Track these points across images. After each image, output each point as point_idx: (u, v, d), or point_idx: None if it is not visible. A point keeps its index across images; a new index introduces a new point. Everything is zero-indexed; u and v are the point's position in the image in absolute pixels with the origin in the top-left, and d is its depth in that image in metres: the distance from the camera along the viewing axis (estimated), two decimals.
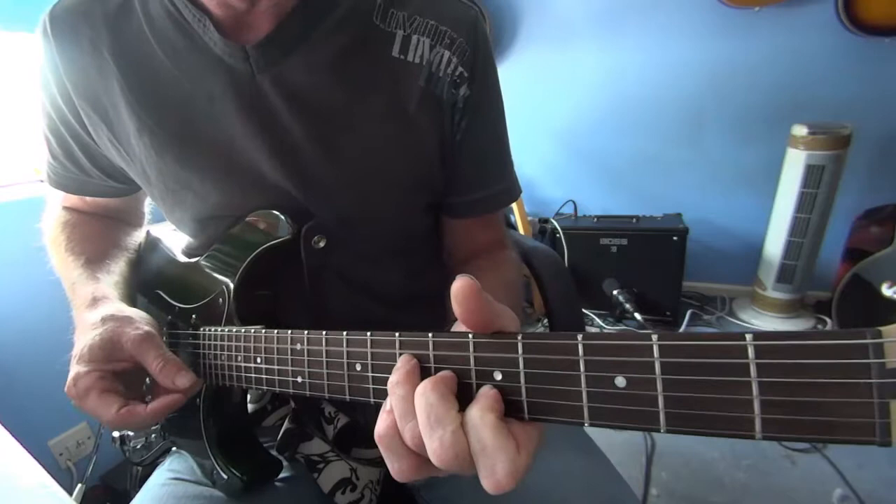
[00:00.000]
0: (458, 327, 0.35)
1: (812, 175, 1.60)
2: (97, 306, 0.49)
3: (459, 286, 0.26)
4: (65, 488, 0.50)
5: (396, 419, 0.28)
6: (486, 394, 0.27)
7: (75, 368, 0.45)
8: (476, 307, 0.26)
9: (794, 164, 1.63)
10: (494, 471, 0.24)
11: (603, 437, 1.58)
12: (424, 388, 0.27)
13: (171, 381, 0.45)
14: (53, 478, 0.51)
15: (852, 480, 1.21)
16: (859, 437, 0.18)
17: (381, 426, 0.29)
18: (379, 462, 0.57)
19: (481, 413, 0.25)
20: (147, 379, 0.49)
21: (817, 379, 0.19)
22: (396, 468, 0.29)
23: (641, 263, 1.87)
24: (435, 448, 0.26)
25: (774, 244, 1.77)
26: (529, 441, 0.26)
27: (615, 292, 1.86)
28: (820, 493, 1.20)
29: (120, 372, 0.46)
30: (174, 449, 0.58)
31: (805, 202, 1.64)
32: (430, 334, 0.30)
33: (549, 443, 0.50)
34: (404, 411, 0.28)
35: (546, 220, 2.07)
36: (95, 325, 0.46)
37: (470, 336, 0.28)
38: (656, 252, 1.85)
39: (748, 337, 0.20)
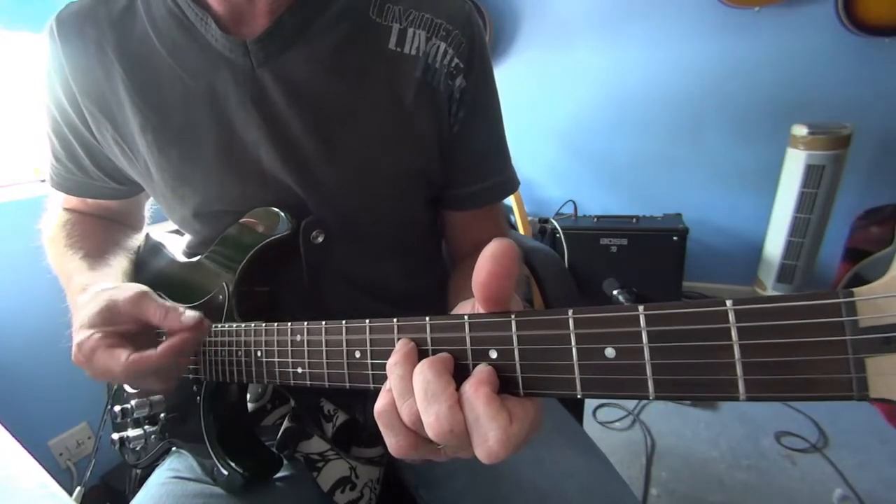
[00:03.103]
0: (458, 310, 0.35)
1: (812, 175, 1.60)
2: (87, 290, 0.49)
3: (499, 244, 0.26)
4: (65, 488, 0.50)
5: (395, 398, 0.29)
6: (481, 370, 0.28)
7: (77, 337, 0.44)
8: (509, 270, 0.26)
9: (794, 164, 1.63)
10: (486, 439, 0.25)
11: (603, 437, 1.58)
12: (422, 366, 0.28)
13: (179, 322, 0.44)
14: (53, 478, 0.51)
15: (852, 480, 1.21)
16: (837, 393, 0.19)
17: (380, 403, 0.30)
18: (378, 461, 0.57)
19: (475, 386, 0.26)
20: (158, 342, 0.49)
21: (795, 339, 0.20)
22: (394, 443, 0.30)
23: (641, 263, 1.87)
24: (431, 422, 0.26)
25: (774, 244, 1.77)
26: (524, 414, 0.26)
27: (615, 292, 1.86)
28: (820, 493, 1.20)
29: (125, 334, 0.45)
30: (174, 449, 0.58)
31: (805, 202, 1.64)
32: (426, 318, 0.30)
33: (548, 442, 0.51)
34: (402, 390, 0.29)
35: (546, 220, 2.07)
36: (90, 299, 0.46)
37: (465, 317, 0.29)
38: (656, 252, 1.85)
39: (728, 302, 0.21)
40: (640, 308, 0.23)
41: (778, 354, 0.20)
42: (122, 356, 0.42)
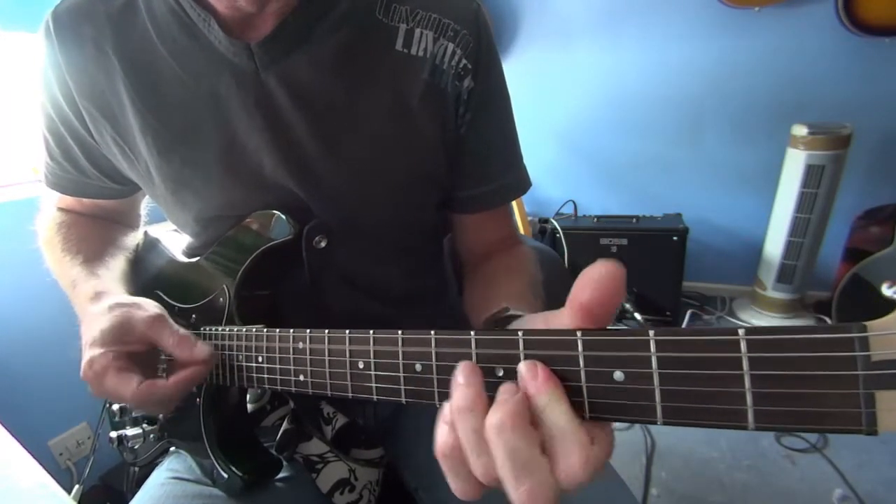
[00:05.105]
0: (527, 324, 0.33)
1: (812, 175, 1.60)
2: (101, 299, 0.49)
3: (606, 265, 0.24)
4: (64, 488, 0.50)
5: (465, 451, 0.26)
6: (547, 378, 0.25)
7: (89, 353, 0.44)
8: (615, 293, 0.24)
9: (794, 164, 1.63)
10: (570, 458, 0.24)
11: None
12: (502, 424, 0.24)
13: (190, 354, 0.44)
14: (53, 478, 0.51)
15: (852, 480, 1.21)
16: (847, 427, 0.19)
17: (443, 444, 0.27)
18: (377, 463, 0.57)
19: (553, 404, 0.24)
20: (161, 364, 0.49)
21: (806, 371, 0.20)
22: (459, 489, 0.27)
23: (641, 263, 1.87)
24: (523, 499, 0.24)
25: (774, 244, 1.77)
26: (604, 434, 0.25)
27: None
28: (820, 493, 1.20)
29: (133, 354, 0.45)
30: (173, 449, 0.58)
31: (805, 202, 1.64)
32: (432, 332, 0.30)
33: None
34: (477, 447, 0.25)
35: (546, 220, 2.07)
36: (103, 312, 0.46)
37: (472, 334, 0.28)
38: (656, 252, 1.85)
39: (741, 332, 0.21)
40: (651, 332, 0.23)
41: (789, 386, 0.20)
42: (133, 383, 0.43)
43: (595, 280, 0.24)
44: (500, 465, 0.24)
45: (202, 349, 0.44)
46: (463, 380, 0.27)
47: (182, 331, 0.45)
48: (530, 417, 0.25)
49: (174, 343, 0.44)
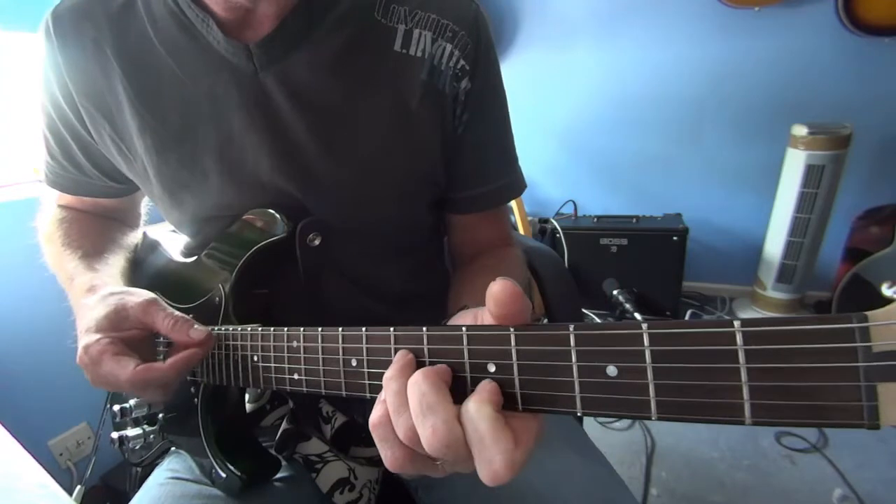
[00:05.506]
0: (457, 320, 0.35)
1: (812, 175, 1.60)
2: (95, 291, 0.48)
3: (500, 289, 0.26)
4: (65, 488, 0.50)
5: (390, 413, 0.28)
6: (484, 387, 0.27)
7: (84, 339, 0.44)
8: (516, 311, 0.26)
9: (794, 164, 1.63)
10: (492, 462, 0.25)
11: (603, 437, 1.58)
12: (416, 378, 0.27)
13: (186, 336, 0.44)
14: (53, 478, 0.51)
15: (852, 480, 1.21)
16: (848, 421, 0.19)
17: (375, 415, 0.29)
18: (377, 461, 0.57)
19: (478, 405, 0.26)
20: (160, 350, 0.49)
21: (805, 364, 0.19)
22: (389, 457, 0.29)
23: (641, 263, 1.87)
24: (427, 436, 0.26)
25: (774, 244, 1.77)
26: (528, 434, 0.26)
27: (615, 292, 1.86)
28: (820, 493, 1.20)
29: (129, 339, 0.45)
30: (173, 449, 0.58)
31: (805, 202, 1.64)
32: (424, 328, 0.30)
33: (547, 444, 0.51)
34: (398, 405, 0.28)
35: (546, 220, 2.07)
36: (98, 301, 0.46)
37: (463, 329, 0.28)
38: (656, 252, 1.85)
39: (736, 324, 0.20)
40: (644, 326, 0.22)
41: (787, 379, 0.19)
42: (130, 366, 0.42)
43: (493, 299, 0.26)
44: (413, 412, 0.27)
45: (198, 331, 0.44)
46: (394, 360, 0.30)
47: (177, 313, 0.45)
48: (449, 382, 0.28)
49: (169, 325, 0.44)
